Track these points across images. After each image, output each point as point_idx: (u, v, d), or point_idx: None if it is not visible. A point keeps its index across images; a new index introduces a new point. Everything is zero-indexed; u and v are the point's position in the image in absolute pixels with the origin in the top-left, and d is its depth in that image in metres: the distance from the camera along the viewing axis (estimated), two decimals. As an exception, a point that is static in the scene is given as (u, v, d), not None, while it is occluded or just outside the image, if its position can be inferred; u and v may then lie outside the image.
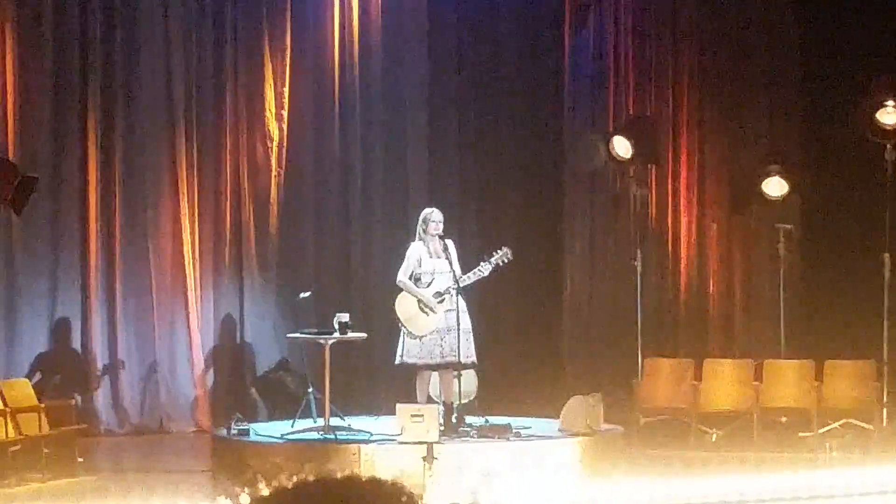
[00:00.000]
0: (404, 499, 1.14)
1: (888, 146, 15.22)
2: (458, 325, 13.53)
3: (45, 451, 13.32)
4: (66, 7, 15.71)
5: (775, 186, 16.00)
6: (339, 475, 1.28)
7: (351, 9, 16.66)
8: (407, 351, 13.77)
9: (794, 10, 17.17)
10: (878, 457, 13.92)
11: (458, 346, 13.52)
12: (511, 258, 13.74)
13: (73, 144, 15.73)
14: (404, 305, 13.78)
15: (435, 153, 16.88)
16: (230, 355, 16.18)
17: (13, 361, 15.05)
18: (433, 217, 13.78)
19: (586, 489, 12.79)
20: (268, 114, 16.38)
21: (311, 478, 1.20)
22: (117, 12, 15.86)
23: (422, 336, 13.69)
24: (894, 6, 16.17)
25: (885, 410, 15.06)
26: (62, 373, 15.31)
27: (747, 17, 17.30)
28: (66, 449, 13.55)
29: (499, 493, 12.14)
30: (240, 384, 16.01)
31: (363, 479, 1.17)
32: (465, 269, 13.64)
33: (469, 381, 13.98)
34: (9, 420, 13.24)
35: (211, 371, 16.11)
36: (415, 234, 14.02)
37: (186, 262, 16.05)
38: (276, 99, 16.43)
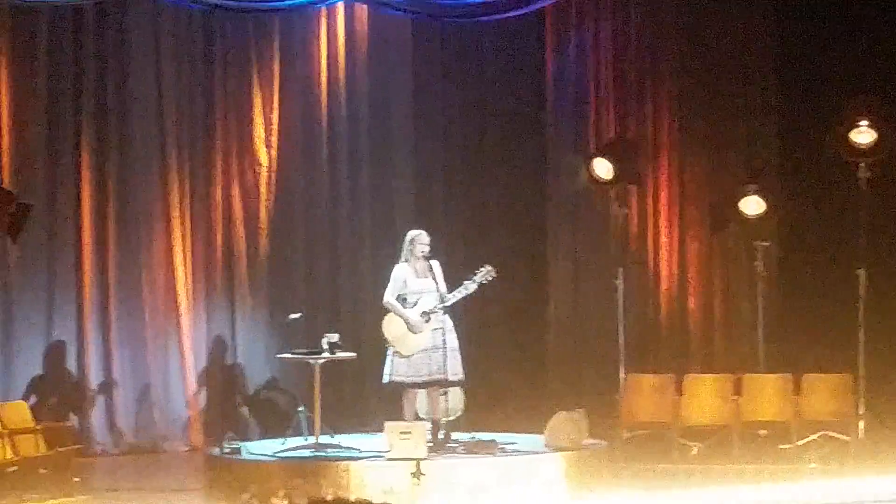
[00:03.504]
0: None
1: (862, 165, 15.23)
2: (445, 343, 13.48)
3: (42, 471, 13.27)
4: (60, 38, 15.68)
5: (753, 205, 16.06)
6: (328, 497, 1.19)
7: (337, 38, 16.71)
8: (395, 370, 13.69)
9: (770, 34, 17.28)
10: (855, 468, 14.01)
11: (445, 364, 13.49)
12: (495, 276, 13.67)
13: (66, 171, 15.73)
14: (392, 326, 13.71)
15: (420, 177, 16.92)
16: (222, 375, 16.16)
17: (10, 384, 15.04)
18: (420, 239, 13.77)
19: (572, 503, 12.81)
20: (257, 140, 16.41)
21: (302, 501, 1.11)
22: (108, 42, 15.85)
23: (409, 355, 13.62)
24: (866, 28, 16.20)
25: (861, 422, 15.09)
26: (58, 394, 15.31)
27: (725, 41, 17.33)
28: (63, 469, 13.47)
29: None
30: (232, 404, 16.01)
31: (352, 501, 1.07)
32: (451, 288, 13.61)
33: (455, 398, 14.02)
34: (6, 441, 13.17)
35: (203, 391, 16.07)
36: (400, 257, 13.92)
37: (178, 285, 16.05)
38: (265, 125, 16.44)
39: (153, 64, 16.08)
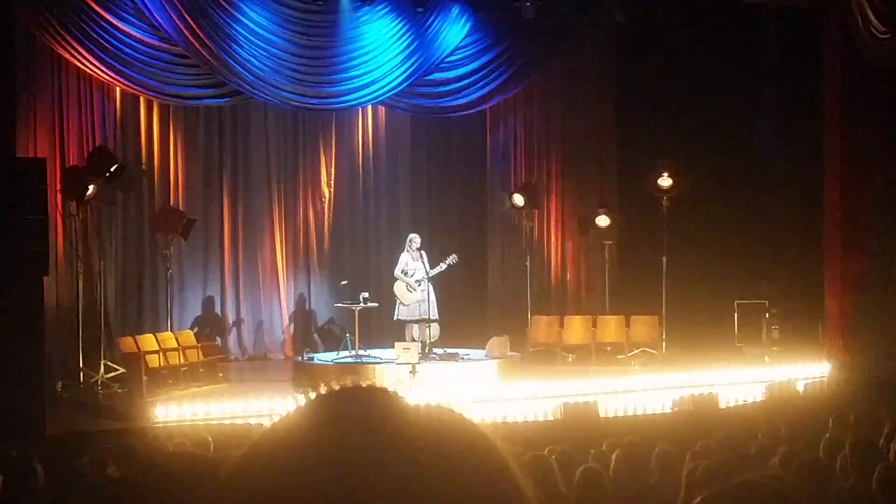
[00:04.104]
0: (394, 397, 0.88)
1: (664, 199, 15.52)
2: (429, 298, 13.87)
3: (201, 370, 13.52)
4: (210, 121, 15.53)
5: (603, 220, 16.12)
6: (363, 384, 1.07)
7: (367, 124, 16.47)
8: (400, 313, 14.10)
9: (611, 124, 17.03)
10: (661, 369, 14.20)
11: (429, 310, 13.88)
12: (457, 260, 14.07)
13: (214, 198, 15.57)
14: (399, 288, 14.04)
15: (414, 204, 16.67)
16: (302, 315, 15.97)
17: (183, 321, 14.92)
18: (414, 239, 14.13)
19: (501, 388, 12.98)
20: (322, 182, 16.21)
21: (348, 384, 1.05)
22: (239, 123, 15.71)
23: (408, 304, 13.98)
24: (668, 113, 16.10)
25: (664, 343, 15.34)
26: (210, 326, 15.27)
27: (586, 123, 16.98)
28: (212, 369, 13.73)
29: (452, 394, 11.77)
30: (308, 332, 15.83)
31: (378, 386, 0.98)
32: (432, 266, 13.94)
33: (434, 329, 14.18)
34: (180, 353, 13.44)
35: (292, 324, 15.93)
36: (404, 248, 14.22)
37: (278, 264, 15.91)
38: (326, 173, 16.22)
39: (264, 136, 15.86)
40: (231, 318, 15.67)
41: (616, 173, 17.12)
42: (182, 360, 13.44)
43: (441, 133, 16.92)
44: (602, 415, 10.69)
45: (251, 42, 14.74)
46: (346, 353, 14.09)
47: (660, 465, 5.75)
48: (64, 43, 13.70)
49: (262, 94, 14.98)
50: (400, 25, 15.59)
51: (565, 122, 17.17)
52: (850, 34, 13.57)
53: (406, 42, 15.64)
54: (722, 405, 11.29)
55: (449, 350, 14.13)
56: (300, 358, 14.44)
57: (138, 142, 15.00)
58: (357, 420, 0.76)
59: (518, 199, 16.26)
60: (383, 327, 14.98)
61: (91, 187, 13.52)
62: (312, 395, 0.80)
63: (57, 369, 12.71)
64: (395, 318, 14.17)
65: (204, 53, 14.37)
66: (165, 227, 14.56)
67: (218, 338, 15.04)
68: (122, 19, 13.99)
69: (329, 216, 16.29)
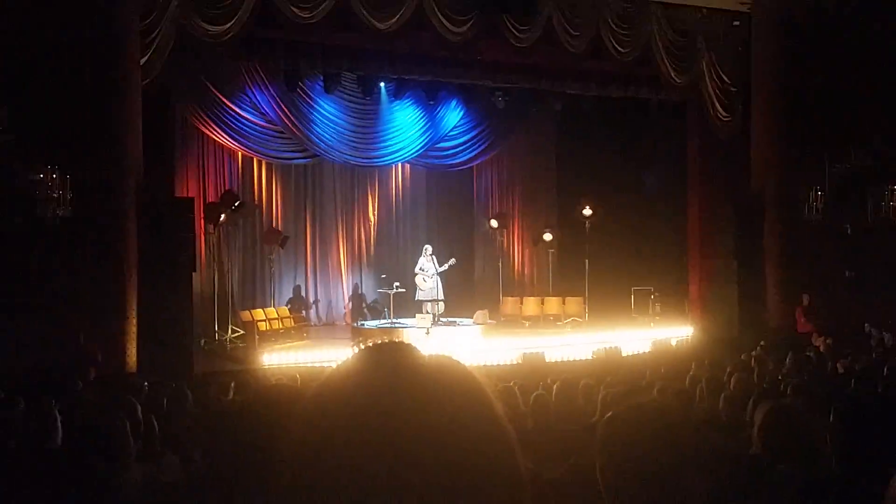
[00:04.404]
0: (413, 348, 0.81)
1: (586, 223, 15.29)
2: (437, 286, 13.76)
3: (292, 332, 13.37)
4: (297, 170, 15.24)
5: (548, 236, 15.99)
6: (394, 340, 1.00)
7: (398, 175, 16.28)
8: (419, 294, 13.90)
9: (554, 167, 16.80)
10: (585, 332, 13.93)
11: (438, 293, 13.78)
12: (456, 261, 13.93)
13: (300, 221, 15.33)
14: (418, 279, 13.87)
15: (429, 228, 16.38)
16: (357, 297, 15.74)
17: (281, 300, 14.72)
18: (428, 248, 14.03)
19: (483, 343, 12.75)
20: (370, 210, 16.03)
21: (384, 340, 0.88)
22: (316, 175, 15.37)
23: (424, 290, 13.81)
24: (587, 168, 15.73)
25: (587, 314, 15.04)
26: (297, 303, 15.00)
27: (533, 173, 16.78)
28: (300, 331, 13.59)
29: (451, 347, 11.54)
30: (361, 308, 15.58)
31: (404, 342, 0.85)
32: (439, 265, 13.74)
33: (441, 306, 14.01)
34: (279, 321, 13.33)
35: (350, 302, 15.71)
36: (421, 254, 14.09)
37: (341, 263, 15.70)
38: (372, 205, 16.03)
39: (332, 182, 15.63)
40: (311, 298, 15.52)
41: (556, 206, 16.98)
42: (280, 326, 13.37)
43: (444, 181, 16.77)
44: (547, 360, 10.57)
45: (324, 123, 14.71)
46: (384, 320, 13.97)
47: (584, 392, 5.75)
48: (205, 124, 13.82)
49: (330, 156, 14.93)
50: (419, 113, 15.57)
51: (523, 174, 17.08)
52: (704, 117, 13.62)
53: (422, 123, 15.63)
54: (623, 354, 11.17)
55: (450, 319, 14.02)
56: (355, 324, 14.37)
57: (252, 186, 14.95)
58: (389, 363, 0.74)
59: (493, 223, 16.28)
60: (408, 304, 14.81)
61: (222, 216, 13.62)
62: (362, 348, 0.79)
63: (200, 331, 12.69)
64: (416, 299, 14.05)
65: (294, 130, 14.39)
66: (270, 241, 14.55)
67: (303, 311, 14.90)
68: (242, 109, 14.07)
69: (373, 234, 16.15)
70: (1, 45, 8.09)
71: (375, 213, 16.18)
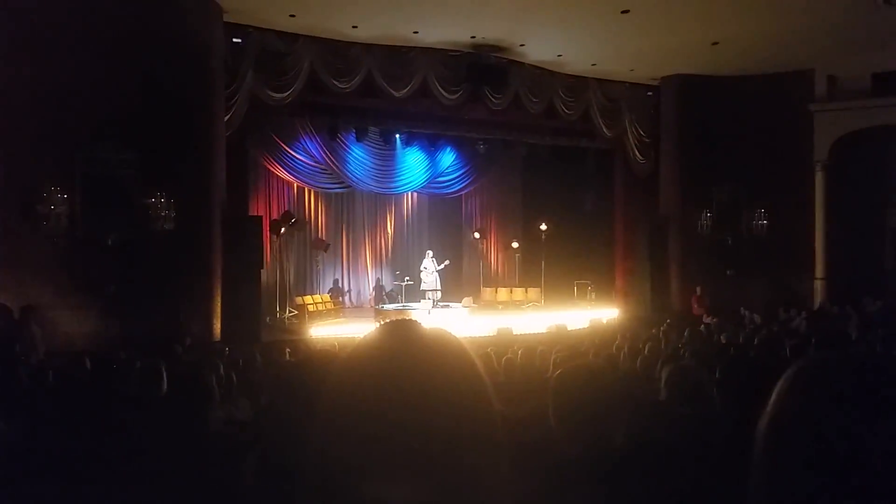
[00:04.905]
0: (418, 324, 0.76)
1: (542, 234, 15.05)
2: (437, 280, 13.63)
3: (332, 313, 13.07)
4: (337, 196, 15.03)
5: (515, 245, 15.70)
6: (404, 318, 0.81)
7: (409, 201, 16.10)
8: (423, 286, 13.74)
9: (520, 196, 16.49)
10: (541, 312, 13.64)
11: (437, 285, 13.62)
12: (449, 262, 13.91)
13: (339, 233, 15.04)
14: (422, 275, 13.75)
15: (431, 240, 16.03)
16: (378, 288, 15.48)
17: (324, 289, 14.58)
18: (429, 253, 13.96)
19: (469, 321, 12.49)
20: (388, 225, 15.89)
21: (397, 318, 0.77)
22: (350, 199, 15.26)
23: (427, 282, 13.66)
24: (542, 197, 15.50)
25: (543, 300, 14.79)
26: (336, 292, 14.78)
27: (505, 199, 16.28)
28: (336, 312, 13.27)
29: (446, 323, 11.37)
30: (381, 295, 15.26)
31: (412, 319, 0.77)
32: (438, 264, 13.67)
33: (438, 294, 13.77)
34: (320, 304, 13.07)
35: (374, 292, 15.44)
36: (425, 257, 14.02)
37: (367, 264, 15.56)
38: (390, 221, 15.89)
39: (361, 205, 15.40)
40: (346, 288, 15.35)
41: (521, 223, 16.74)
42: (323, 308, 13.17)
43: (441, 205, 16.56)
44: (514, 333, 10.34)
45: (355, 163, 14.60)
46: (398, 304, 13.58)
47: (540, 356, 5.73)
48: (270, 163, 13.73)
49: (359, 187, 14.80)
50: (423, 156, 15.44)
51: (497, 200, 16.92)
52: (626, 160, 13.75)
53: (425, 164, 15.50)
54: (569, 329, 11.02)
55: (445, 303, 13.89)
56: (377, 306, 14.20)
57: (304, 208, 14.84)
58: (400, 335, 0.73)
59: (476, 235, 16.16)
60: (415, 293, 14.60)
61: (282, 229, 13.46)
62: (381, 323, 0.76)
63: (266, 311, 12.49)
64: (421, 289, 13.95)
65: (334, 168, 14.30)
66: (316, 247, 14.46)
67: (340, 297, 14.72)
68: (297, 152, 13.96)
69: (390, 242, 16.01)
70: (133, 107, 8.38)
71: (392, 227, 16.10)
